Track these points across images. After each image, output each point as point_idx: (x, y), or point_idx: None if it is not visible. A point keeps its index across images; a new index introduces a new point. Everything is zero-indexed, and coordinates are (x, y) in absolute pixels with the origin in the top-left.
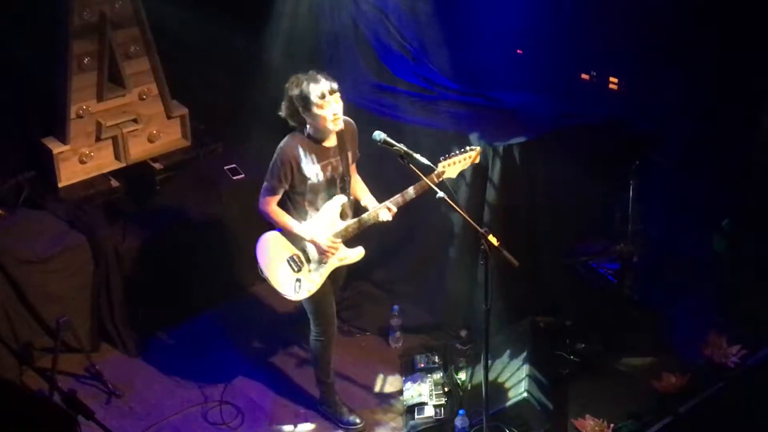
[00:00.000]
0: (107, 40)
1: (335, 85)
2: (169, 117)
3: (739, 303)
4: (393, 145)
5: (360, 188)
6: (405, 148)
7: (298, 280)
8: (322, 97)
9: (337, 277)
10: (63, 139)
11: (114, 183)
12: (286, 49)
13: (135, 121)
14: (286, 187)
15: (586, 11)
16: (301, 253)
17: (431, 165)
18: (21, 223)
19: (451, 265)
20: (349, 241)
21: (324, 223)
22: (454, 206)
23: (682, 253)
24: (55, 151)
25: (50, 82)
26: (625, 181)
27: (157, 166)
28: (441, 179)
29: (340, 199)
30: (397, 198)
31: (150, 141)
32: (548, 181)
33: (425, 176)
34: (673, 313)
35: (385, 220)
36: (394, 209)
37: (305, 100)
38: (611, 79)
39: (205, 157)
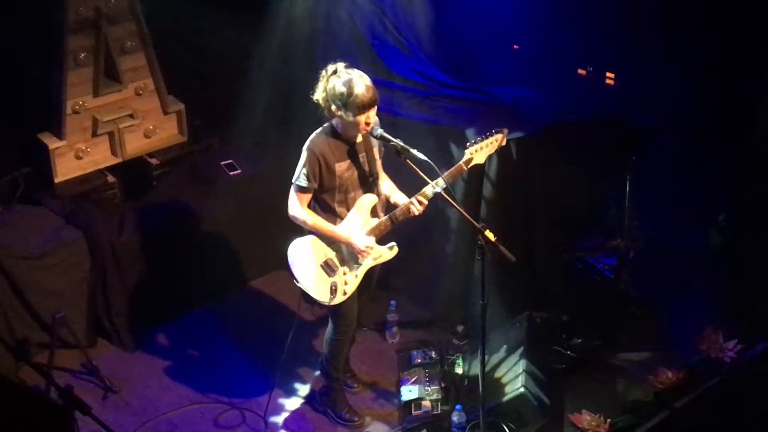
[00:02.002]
0: (103, 35)
1: (378, 97)
2: (165, 112)
3: (735, 298)
4: (390, 141)
5: (388, 185)
6: (402, 144)
7: (334, 283)
8: (366, 108)
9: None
10: (59, 134)
11: (110, 178)
12: (282, 44)
13: (131, 116)
14: (315, 186)
15: (583, 6)
16: (335, 257)
17: (428, 160)
18: (17, 219)
19: (448, 260)
20: (381, 239)
21: (357, 223)
22: (451, 201)
23: (679, 248)
24: (51, 146)
25: (46, 78)
26: (622, 177)
27: (154, 161)
28: (470, 166)
29: (370, 198)
30: (426, 190)
31: (146, 136)
32: (545, 176)
33: (451, 165)
34: (669, 309)
35: (416, 213)
36: (426, 201)
37: (346, 104)
38: (608, 74)
39: (201, 153)
